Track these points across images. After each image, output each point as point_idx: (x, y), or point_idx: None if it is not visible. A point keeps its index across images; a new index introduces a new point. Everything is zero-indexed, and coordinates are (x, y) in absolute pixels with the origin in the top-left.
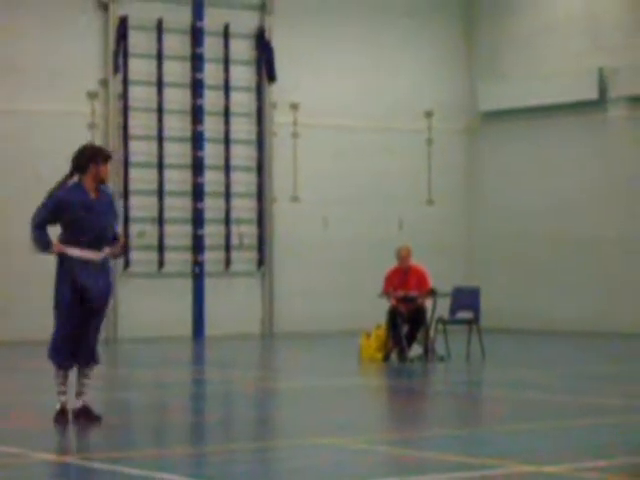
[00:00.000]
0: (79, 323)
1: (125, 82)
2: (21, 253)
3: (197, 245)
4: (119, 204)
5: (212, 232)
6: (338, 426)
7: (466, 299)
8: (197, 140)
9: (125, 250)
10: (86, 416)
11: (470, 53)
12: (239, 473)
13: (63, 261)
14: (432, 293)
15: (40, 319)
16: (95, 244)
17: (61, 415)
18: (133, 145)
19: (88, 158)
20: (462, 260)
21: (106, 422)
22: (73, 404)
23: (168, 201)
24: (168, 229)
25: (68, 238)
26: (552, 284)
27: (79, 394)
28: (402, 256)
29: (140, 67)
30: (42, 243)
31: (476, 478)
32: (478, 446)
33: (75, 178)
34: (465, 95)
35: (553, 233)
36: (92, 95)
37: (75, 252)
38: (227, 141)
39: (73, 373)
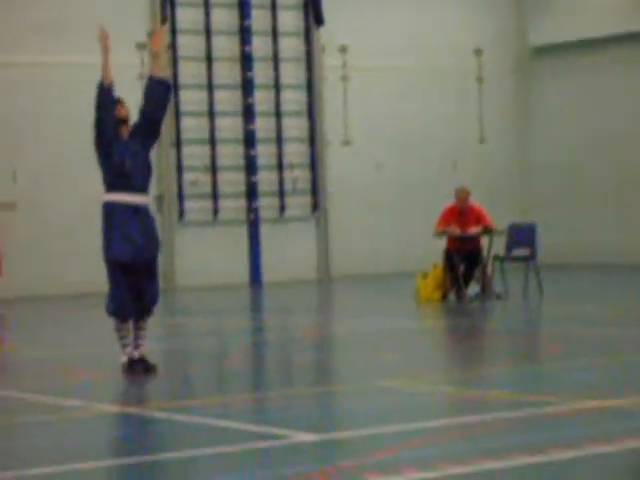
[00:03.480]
0: (133, 279)
1: (173, 32)
2: (79, 207)
3: (251, 192)
4: (171, 152)
5: (265, 178)
6: (399, 368)
7: (522, 236)
8: (247, 87)
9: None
10: (143, 367)
11: None
12: (301, 418)
13: (111, 210)
14: (489, 231)
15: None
16: (138, 187)
17: (129, 367)
18: (183, 94)
19: None
20: (517, 198)
21: (166, 371)
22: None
23: (220, 149)
24: (221, 177)
25: (112, 185)
26: (610, 217)
27: (136, 346)
28: (461, 198)
29: (188, 16)
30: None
31: (540, 415)
32: (540, 383)
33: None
34: (514, 31)
35: (609, 166)
36: (141, 46)
37: (122, 197)
38: (277, 87)
39: None
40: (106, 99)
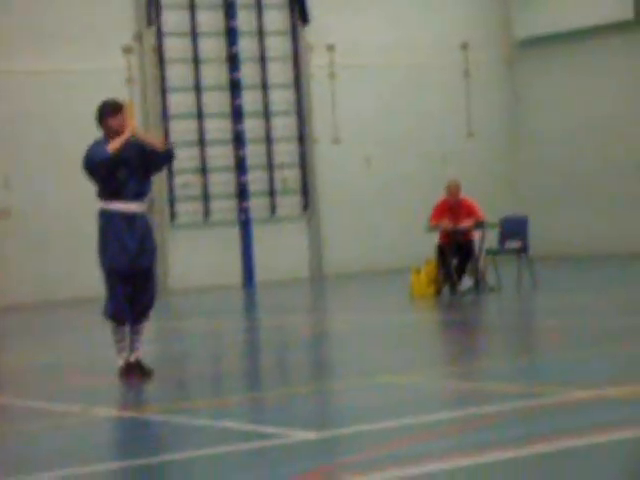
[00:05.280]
0: (129, 284)
1: (159, 34)
2: (73, 213)
3: (241, 192)
4: None
5: (256, 178)
6: (395, 363)
7: (514, 228)
8: (235, 87)
9: (167, 145)
10: (139, 371)
11: None
12: (300, 416)
13: (107, 219)
14: (480, 224)
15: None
16: (134, 195)
17: (125, 371)
18: (171, 97)
19: (100, 113)
20: (508, 190)
21: (162, 374)
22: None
23: (210, 150)
24: (212, 178)
25: (107, 193)
26: (599, 208)
27: (131, 350)
28: (452, 192)
29: (173, 18)
30: (102, 151)
31: (538, 406)
32: (536, 375)
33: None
34: (500, 24)
35: (597, 157)
36: (127, 49)
37: (117, 205)
38: (265, 86)
39: None
40: (106, 168)
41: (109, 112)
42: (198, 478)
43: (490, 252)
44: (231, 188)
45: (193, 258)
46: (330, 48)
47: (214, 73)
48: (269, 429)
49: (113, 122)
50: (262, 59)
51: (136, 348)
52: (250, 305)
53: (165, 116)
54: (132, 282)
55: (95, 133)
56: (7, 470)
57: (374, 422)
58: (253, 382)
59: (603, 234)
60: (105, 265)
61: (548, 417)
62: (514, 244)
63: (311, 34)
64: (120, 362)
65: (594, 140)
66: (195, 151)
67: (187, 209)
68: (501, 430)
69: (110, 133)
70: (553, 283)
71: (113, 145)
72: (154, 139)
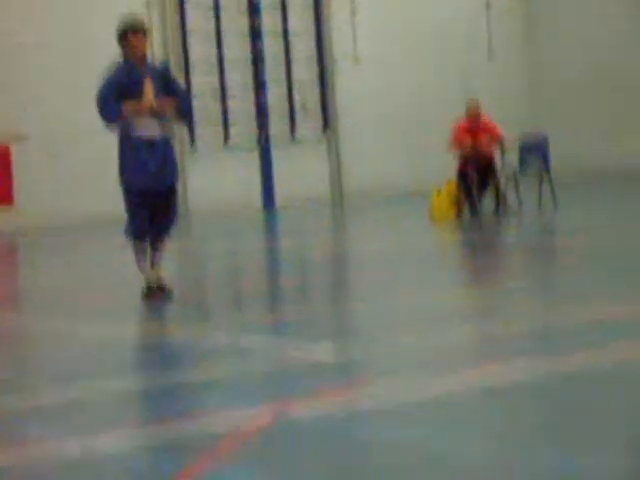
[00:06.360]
0: (150, 204)
1: None
2: (87, 138)
3: (261, 115)
4: (180, 80)
5: (275, 101)
6: (418, 283)
7: (534, 148)
8: (254, 9)
9: (178, 106)
10: (160, 291)
11: None
12: (318, 335)
13: (126, 143)
14: (501, 143)
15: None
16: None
17: (147, 292)
18: (189, 18)
19: (121, 30)
20: (527, 111)
21: (182, 295)
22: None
23: (229, 73)
24: (231, 102)
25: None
26: (617, 127)
27: (152, 265)
28: (472, 111)
29: None
30: (112, 111)
31: (552, 324)
32: (560, 292)
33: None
34: None
35: (617, 77)
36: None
37: (137, 131)
38: (284, 7)
39: None
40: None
41: (130, 29)
42: (219, 397)
43: (511, 171)
44: (251, 112)
45: (213, 182)
46: None
47: None
48: (288, 348)
49: (133, 38)
50: None
51: (157, 264)
52: (270, 228)
53: (184, 37)
54: (153, 202)
55: (112, 54)
56: (23, 387)
57: (395, 339)
58: (272, 302)
59: (626, 152)
60: (124, 184)
61: (560, 336)
62: (535, 163)
63: None
64: (142, 283)
65: (612, 59)
66: (214, 74)
67: (206, 133)
68: (511, 347)
69: (130, 51)
70: (575, 203)
71: (128, 109)
72: (170, 104)
